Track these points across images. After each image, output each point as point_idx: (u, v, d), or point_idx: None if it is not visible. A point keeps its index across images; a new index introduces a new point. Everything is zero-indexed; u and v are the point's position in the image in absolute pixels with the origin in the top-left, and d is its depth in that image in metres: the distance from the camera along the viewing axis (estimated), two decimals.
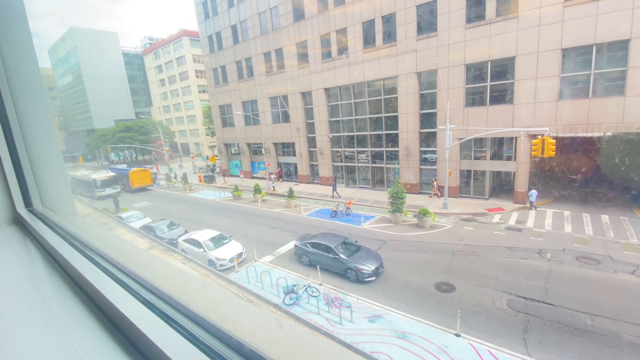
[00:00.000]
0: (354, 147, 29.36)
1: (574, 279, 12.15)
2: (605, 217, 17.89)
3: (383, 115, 26.64)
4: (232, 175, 42.03)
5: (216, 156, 45.94)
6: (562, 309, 10.33)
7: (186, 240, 16.54)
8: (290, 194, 24.97)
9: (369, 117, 27.56)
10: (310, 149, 32.76)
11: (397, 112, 25.42)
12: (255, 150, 38.69)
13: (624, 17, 16.59)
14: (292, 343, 0.67)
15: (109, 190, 32.73)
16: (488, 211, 20.47)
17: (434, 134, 24.26)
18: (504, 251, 14.89)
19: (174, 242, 17.26)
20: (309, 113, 31.76)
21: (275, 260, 15.59)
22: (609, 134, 18.34)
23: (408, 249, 15.88)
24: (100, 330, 0.99)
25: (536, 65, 19.18)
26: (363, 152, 28.93)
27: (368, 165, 28.88)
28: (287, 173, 36.03)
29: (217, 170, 42.62)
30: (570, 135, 19.34)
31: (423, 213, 18.37)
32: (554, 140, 15.93)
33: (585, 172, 24.82)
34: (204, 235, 16.44)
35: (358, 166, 29.60)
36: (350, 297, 11.83)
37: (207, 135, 64.20)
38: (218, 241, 15.96)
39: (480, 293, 11.55)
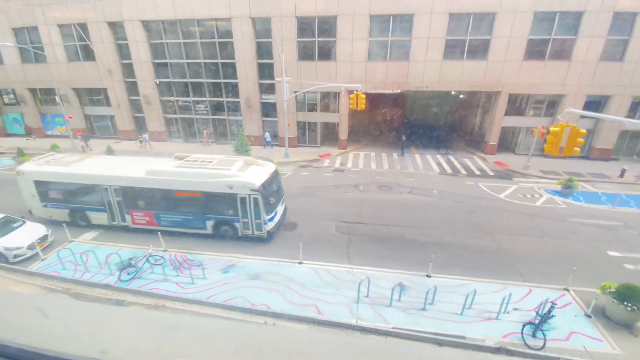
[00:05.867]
0: (189, 97, 26.34)
1: (377, 202, 16.28)
2: (394, 155, 24.17)
3: (219, 61, 24.68)
4: (10, 135, 30.04)
5: None
6: (371, 225, 13.83)
7: None
8: (109, 152, 20.46)
9: (204, 62, 24.96)
10: (132, 98, 27.11)
11: (234, 59, 24.08)
12: (46, 98, 28.56)
13: None
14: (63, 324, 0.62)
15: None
16: (320, 157, 23.65)
17: (273, 86, 24.74)
18: (333, 189, 17.99)
19: None
20: (124, 51, 25.53)
21: (100, 236, 13.03)
22: (398, 91, 23.99)
23: None
24: None
25: (352, 27, 22.01)
26: (201, 102, 26.47)
27: (208, 117, 26.88)
28: (100, 128, 28.91)
29: None
30: (375, 91, 24.05)
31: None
32: (365, 96, 19.51)
33: (384, 122, 32.10)
34: None
35: (197, 118, 27.09)
36: (200, 255, 11.59)
37: None
38: (3, 226, 11.67)
39: (316, 225, 13.79)
